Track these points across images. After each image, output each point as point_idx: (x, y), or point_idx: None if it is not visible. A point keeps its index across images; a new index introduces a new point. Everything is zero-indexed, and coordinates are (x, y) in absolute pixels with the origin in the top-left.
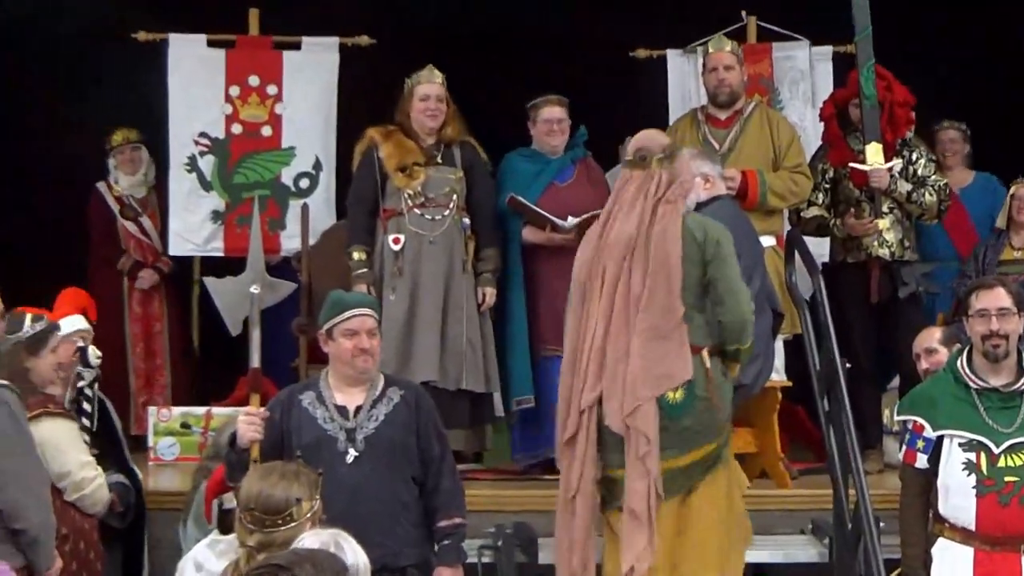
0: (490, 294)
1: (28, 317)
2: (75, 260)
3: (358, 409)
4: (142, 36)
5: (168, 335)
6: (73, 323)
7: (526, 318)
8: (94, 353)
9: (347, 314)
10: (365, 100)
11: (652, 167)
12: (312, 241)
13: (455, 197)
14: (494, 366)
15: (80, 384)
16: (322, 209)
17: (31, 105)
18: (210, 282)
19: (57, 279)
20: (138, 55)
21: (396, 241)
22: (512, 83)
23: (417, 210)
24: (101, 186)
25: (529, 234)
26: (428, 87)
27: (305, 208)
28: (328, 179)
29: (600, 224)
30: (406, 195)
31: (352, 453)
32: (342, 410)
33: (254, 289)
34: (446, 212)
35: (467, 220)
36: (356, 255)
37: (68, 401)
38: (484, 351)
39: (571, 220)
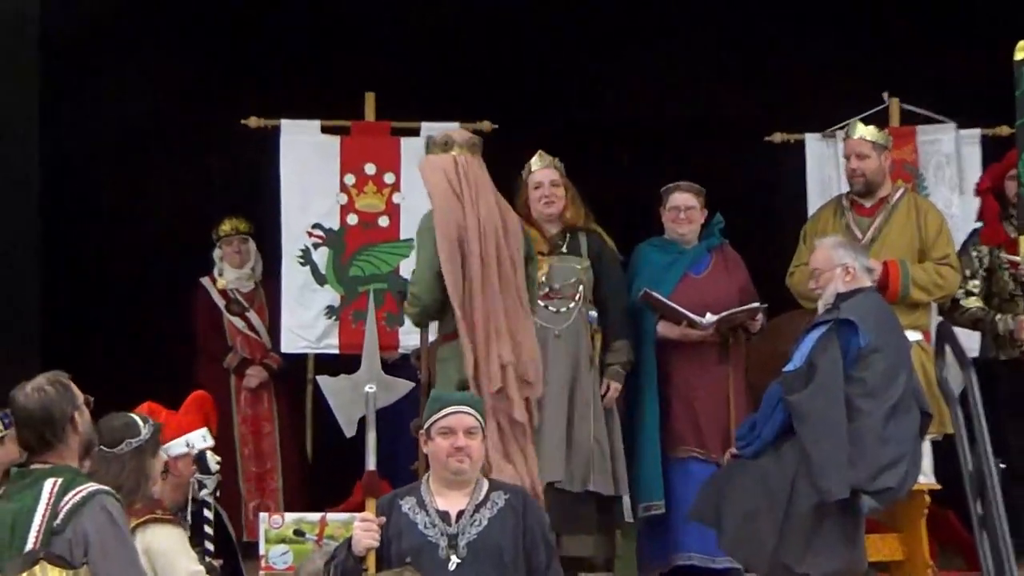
0: (614, 388)
1: (138, 419)
2: (179, 357)
3: (460, 514)
4: (253, 122)
5: (279, 436)
6: (202, 438)
7: (659, 418)
8: (213, 459)
9: (444, 411)
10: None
11: (479, 155)
12: (432, 337)
13: (581, 288)
14: (623, 467)
15: (203, 493)
16: None
17: (137, 193)
18: (323, 381)
19: (161, 378)
20: (249, 141)
21: None
22: (645, 171)
23: (541, 302)
24: (205, 280)
25: (664, 329)
26: (540, 174)
27: None
28: None
29: (455, 197)
30: None
31: (454, 560)
32: (444, 515)
33: (369, 388)
34: (571, 304)
35: (594, 313)
36: None
37: (190, 513)
38: (612, 451)
39: (710, 317)
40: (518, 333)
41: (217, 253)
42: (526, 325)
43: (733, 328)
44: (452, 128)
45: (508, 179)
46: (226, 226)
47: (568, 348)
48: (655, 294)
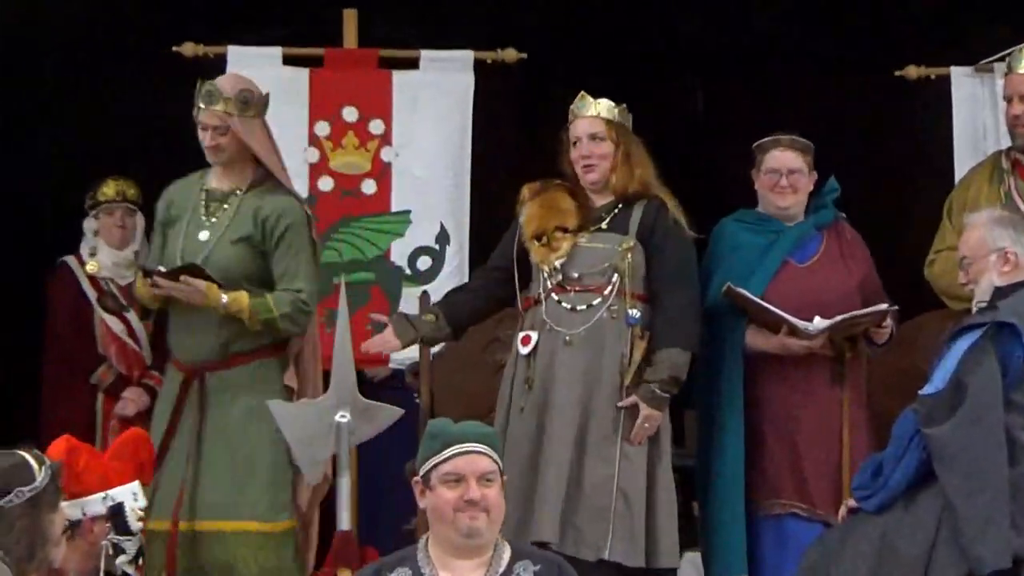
0: (646, 416)
1: (31, 460)
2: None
3: None
4: (188, 49)
5: None
6: (133, 495)
7: (743, 459)
8: (135, 515)
9: (449, 451)
10: (516, 140)
11: None
12: (435, 348)
13: (616, 277)
14: (671, 530)
15: (120, 561)
16: None
17: (28, 147)
18: (276, 407)
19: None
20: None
21: (525, 341)
22: (727, 118)
23: (554, 295)
24: (71, 260)
25: (755, 339)
26: (579, 125)
27: (425, 298)
28: (459, 256)
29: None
30: (543, 274)
31: None
32: None
33: (341, 417)
34: (597, 300)
35: (635, 312)
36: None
37: None
38: (652, 506)
39: (819, 322)
40: None
41: (90, 225)
42: None
43: (851, 338)
44: (452, 59)
45: (543, 131)
46: (109, 189)
47: (583, 360)
48: (742, 291)
